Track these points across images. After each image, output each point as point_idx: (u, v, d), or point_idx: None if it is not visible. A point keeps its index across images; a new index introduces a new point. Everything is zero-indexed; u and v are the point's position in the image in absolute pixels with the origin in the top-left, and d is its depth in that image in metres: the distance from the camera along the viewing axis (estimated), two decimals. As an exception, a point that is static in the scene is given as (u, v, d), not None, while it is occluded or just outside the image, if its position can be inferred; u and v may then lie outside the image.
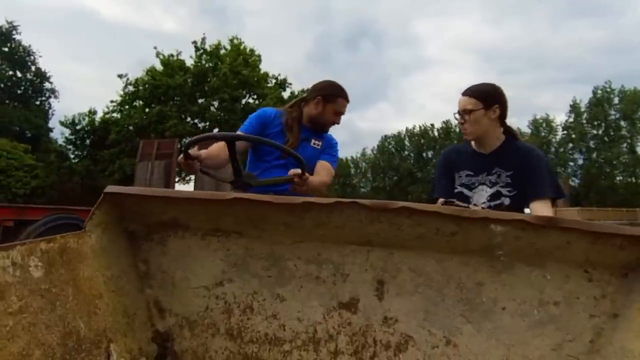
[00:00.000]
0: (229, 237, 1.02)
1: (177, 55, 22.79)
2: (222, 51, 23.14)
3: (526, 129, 40.22)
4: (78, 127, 24.41)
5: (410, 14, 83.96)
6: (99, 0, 60.31)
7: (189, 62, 23.11)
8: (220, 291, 1.03)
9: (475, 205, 1.74)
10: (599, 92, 35.70)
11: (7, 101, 23.54)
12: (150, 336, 1.03)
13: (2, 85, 23.49)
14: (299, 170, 1.57)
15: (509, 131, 1.78)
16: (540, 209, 1.58)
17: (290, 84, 23.61)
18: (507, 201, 1.69)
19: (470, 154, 1.81)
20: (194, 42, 22.98)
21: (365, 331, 0.98)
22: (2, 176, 17.75)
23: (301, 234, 0.98)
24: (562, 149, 38.33)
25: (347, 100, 2.05)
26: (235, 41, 23.01)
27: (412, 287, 0.96)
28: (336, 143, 2.16)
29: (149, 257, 1.04)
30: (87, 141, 24.29)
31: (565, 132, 38.06)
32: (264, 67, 23.70)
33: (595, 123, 35.93)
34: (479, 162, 1.76)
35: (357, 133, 78.52)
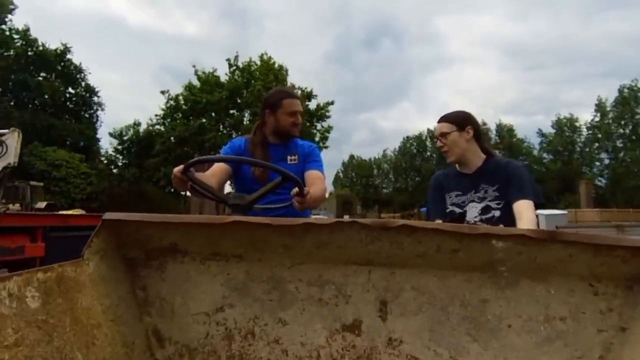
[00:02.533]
0: (228, 261, 1.01)
1: (213, 72, 25.39)
2: (253, 67, 25.34)
3: (550, 129, 40.25)
4: (125, 138, 28.06)
5: (431, 11, 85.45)
6: (125, 7, 62.70)
7: (223, 77, 25.69)
8: (220, 317, 1.01)
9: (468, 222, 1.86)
10: (626, 90, 35.78)
11: (59, 115, 26.69)
12: None
13: (58, 101, 26.81)
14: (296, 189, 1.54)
15: (488, 151, 1.96)
16: (523, 208, 1.69)
17: (316, 95, 25.63)
18: (497, 213, 1.81)
19: (456, 176, 1.98)
20: (228, 60, 25.68)
21: (370, 354, 0.96)
22: (63, 183, 20.34)
23: (302, 256, 0.97)
24: (587, 149, 38.06)
25: (294, 97, 2.00)
26: (265, 57, 25.30)
27: (416, 306, 0.94)
28: (315, 147, 2.10)
29: (147, 283, 1.02)
30: (132, 150, 27.57)
31: (590, 131, 37.78)
32: (289, 79, 25.99)
33: (622, 122, 35.84)
34: (466, 182, 1.91)
35: (378, 132, 78.89)
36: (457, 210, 1.90)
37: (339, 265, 0.97)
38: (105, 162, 27.81)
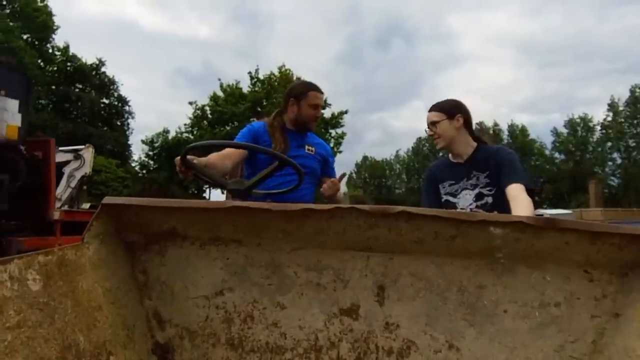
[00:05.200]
0: (228, 245, 1.01)
1: (237, 85, 27.69)
2: (273, 79, 27.29)
3: (563, 129, 39.95)
4: (156, 145, 30.44)
5: (443, 9, 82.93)
6: (138, 11, 62.99)
7: (243, 87, 27.78)
8: (220, 300, 1.03)
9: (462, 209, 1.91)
10: (638, 90, 35.55)
11: (95, 124, 29.74)
12: (150, 348, 1.02)
13: (94, 111, 30.01)
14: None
15: (479, 139, 1.98)
16: (517, 191, 1.69)
17: (330, 104, 27.31)
18: (490, 199, 1.85)
19: (449, 166, 2.01)
20: (249, 73, 27.93)
21: (367, 337, 0.98)
22: (102, 186, 22.18)
23: (301, 241, 0.98)
24: (600, 148, 37.89)
25: (320, 92, 2.10)
26: (284, 69, 27.13)
27: (413, 291, 0.96)
28: (330, 150, 2.24)
29: (147, 267, 1.03)
30: (162, 156, 29.81)
31: (603, 131, 37.60)
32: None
33: (635, 121, 35.62)
34: (458, 171, 1.95)
35: (390, 132, 78.37)
36: (452, 199, 1.93)
37: (337, 251, 0.98)
38: (138, 167, 30.82)
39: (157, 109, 64.04)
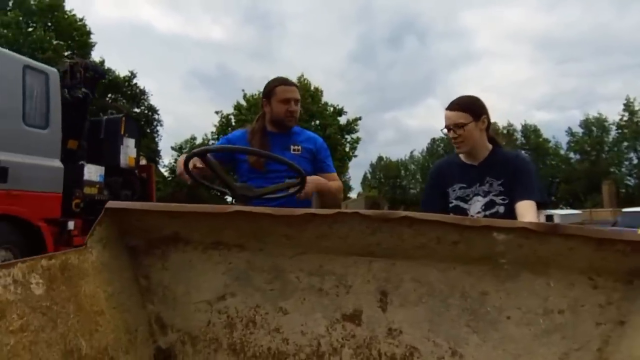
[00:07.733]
0: (230, 250, 1.01)
1: (259, 94, 28.13)
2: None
3: (578, 129, 39.70)
4: (184, 151, 32.65)
5: (457, 6, 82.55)
6: (152, 14, 64.67)
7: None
8: (222, 305, 1.02)
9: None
10: None
11: None
12: (152, 353, 1.02)
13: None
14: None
15: (494, 140, 1.85)
16: (525, 209, 1.62)
17: (346, 112, 28.96)
18: (501, 209, 1.73)
19: (461, 167, 1.86)
20: None
21: (370, 343, 0.97)
22: None
23: (303, 246, 0.98)
24: (615, 148, 37.60)
25: (289, 85, 2.01)
26: (302, 79, 28.50)
27: (416, 297, 0.95)
28: (321, 142, 2.12)
29: (150, 272, 1.03)
30: None
31: (619, 130, 37.32)
32: (324, 99, 29.10)
33: None
34: (471, 174, 1.82)
35: (404, 131, 77.96)
36: (462, 205, 1.81)
37: (339, 256, 0.97)
38: (167, 171, 33.18)
39: (172, 110, 64.66)
